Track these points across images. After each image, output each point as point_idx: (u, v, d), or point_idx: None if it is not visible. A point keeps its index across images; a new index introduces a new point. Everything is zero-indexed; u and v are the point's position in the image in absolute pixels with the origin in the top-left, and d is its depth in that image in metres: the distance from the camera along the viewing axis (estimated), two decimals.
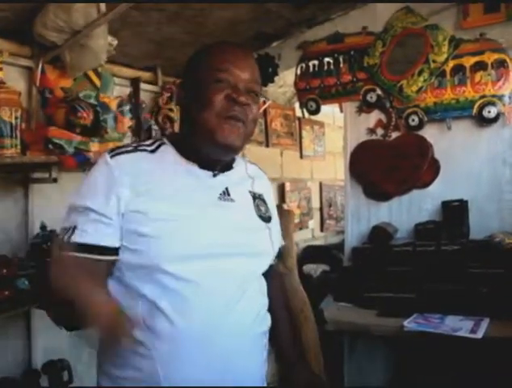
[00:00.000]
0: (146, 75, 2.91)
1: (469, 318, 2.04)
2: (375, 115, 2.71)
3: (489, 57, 2.39)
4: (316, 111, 2.85)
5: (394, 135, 2.66)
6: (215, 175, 1.26)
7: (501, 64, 2.37)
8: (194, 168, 1.24)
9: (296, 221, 4.17)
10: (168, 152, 1.25)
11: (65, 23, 2.04)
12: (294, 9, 2.53)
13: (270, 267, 1.40)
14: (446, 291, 2.17)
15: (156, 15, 2.31)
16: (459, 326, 1.97)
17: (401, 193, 2.63)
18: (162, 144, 1.27)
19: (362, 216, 2.75)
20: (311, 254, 4.29)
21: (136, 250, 1.14)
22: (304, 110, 2.89)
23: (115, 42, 2.28)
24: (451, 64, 2.46)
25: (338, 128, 4.71)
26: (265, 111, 4.04)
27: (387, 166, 2.63)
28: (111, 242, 1.14)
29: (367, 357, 2.61)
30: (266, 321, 1.32)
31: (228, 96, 1.18)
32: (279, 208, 3.87)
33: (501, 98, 2.38)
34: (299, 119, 4.45)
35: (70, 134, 2.24)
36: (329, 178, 4.95)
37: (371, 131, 2.72)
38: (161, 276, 1.12)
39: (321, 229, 4.83)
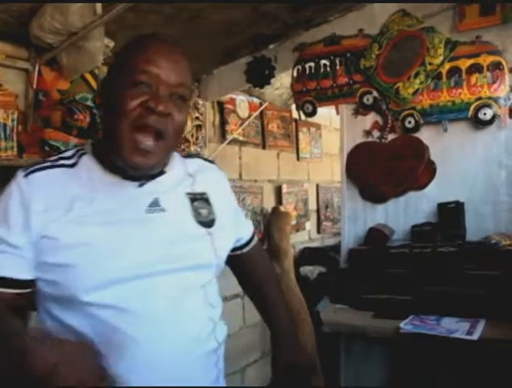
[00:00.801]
0: None
1: (465, 320, 2.04)
2: (372, 118, 2.71)
3: (485, 60, 2.39)
4: (313, 114, 2.86)
5: (390, 137, 2.66)
6: (141, 185, 1.12)
7: (496, 66, 2.37)
8: (117, 181, 1.11)
9: (293, 222, 4.18)
10: (89, 164, 1.12)
11: (62, 25, 2.05)
12: (291, 11, 2.53)
13: (238, 257, 1.37)
14: (442, 293, 2.18)
15: (152, 17, 2.31)
16: (455, 327, 1.97)
17: (398, 195, 2.63)
18: (83, 154, 1.13)
19: (358, 217, 2.75)
20: (308, 255, 4.30)
21: (52, 282, 1.03)
22: (301, 112, 2.89)
23: (112, 44, 2.29)
24: (447, 66, 2.47)
25: (335, 129, 4.72)
26: (261, 112, 4.05)
27: (383, 168, 2.63)
28: (22, 274, 1.03)
29: (364, 359, 2.62)
30: (215, 336, 1.19)
31: (144, 104, 1.03)
32: (276, 210, 3.90)
33: (496, 100, 2.38)
34: (295, 121, 4.47)
35: (67, 136, 2.25)
36: (325, 179, 4.96)
37: (368, 133, 2.72)
38: (82, 306, 1.01)
39: (318, 231, 4.84)
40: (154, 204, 1.12)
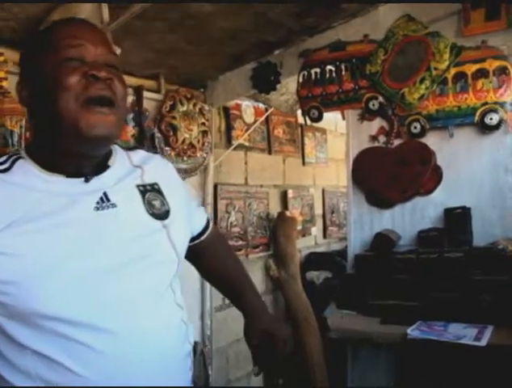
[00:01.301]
0: (149, 83, 2.93)
1: (473, 326, 2.03)
2: (378, 123, 2.72)
3: (491, 65, 2.39)
4: (319, 119, 2.86)
5: (396, 142, 2.66)
6: (87, 180, 1.04)
7: (502, 71, 2.37)
8: (60, 180, 1.02)
9: (299, 228, 4.18)
10: (25, 167, 1.02)
11: None
12: (295, 17, 2.54)
13: (196, 246, 1.30)
14: (449, 298, 2.17)
15: (159, 24, 2.33)
16: (462, 333, 1.97)
17: (404, 200, 2.63)
18: (19, 158, 1.03)
19: (364, 223, 2.75)
20: (314, 260, 4.30)
21: (2, 296, 0.93)
22: (307, 118, 2.90)
23: (119, 51, 2.29)
24: (453, 71, 2.46)
25: (340, 134, 4.72)
26: (267, 118, 4.05)
27: (389, 173, 2.63)
28: None
29: (371, 365, 2.61)
30: (188, 338, 1.15)
31: (85, 74, 0.97)
32: (282, 215, 3.90)
33: (503, 105, 2.38)
34: (301, 126, 4.47)
35: None
36: (331, 184, 4.96)
37: (374, 138, 2.72)
38: (40, 322, 0.93)
39: (324, 236, 4.83)
40: (104, 200, 1.04)
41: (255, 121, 3.87)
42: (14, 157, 1.04)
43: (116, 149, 1.16)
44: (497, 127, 2.40)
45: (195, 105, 3.12)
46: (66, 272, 0.94)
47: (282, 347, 1.34)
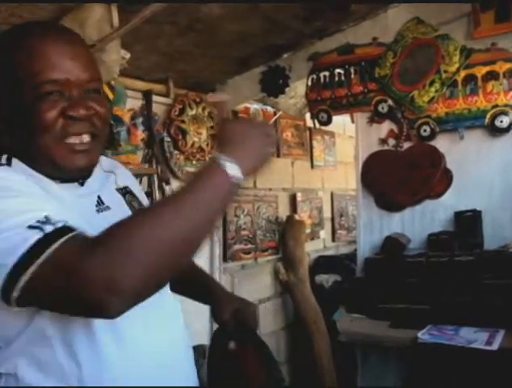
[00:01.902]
0: (158, 87, 2.93)
1: (484, 330, 2.02)
2: (387, 126, 2.71)
3: (501, 67, 2.38)
4: (328, 122, 2.86)
5: (406, 145, 2.66)
6: (82, 184, 1.04)
7: None
8: (57, 184, 0.99)
9: (308, 231, 4.17)
10: (23, 167, 0.97)
11: None
12: (304, 21, 2.54)
13: None
14: (460, 302, 2.16)
15: (168, 28, 2.33)
16: (473, 337, 1.95)
17: (414, 203, 2.62)
18: (11, 157, 0.97)
19: (374, 226, 2.74)
20: (323, 264, 4.28)
21: None
22: (316, 121, 2.89)
23: (128, 55, 2.31)
24: (463, 74, 2.46)
25: (349, 137, 4.71)
26: (276, 121, 4.05)
27: (399, 176, 2.62)
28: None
29: (381, 369, 2.60)
30: (187, 341, 1.17)
31: (63, 113, 0.93)
32: (291, 218, 3.89)
33: None
34: (309, 129, 4.46)
35: None
36: (340, 188, 4.94)
37: (383, 141, 2.72)
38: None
39: (333, 239, 4.82)
40: (100, 203, 1.05)
41: None
42: (6, 155, 0.97)
43: None
44: (507, 129, 2.38)
45: (204, 109, 3.13)
46: None
47: (254, 318, 1.39)
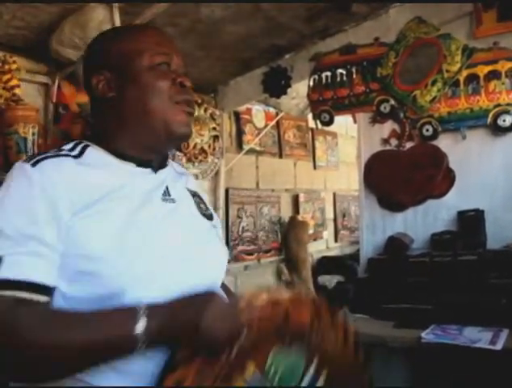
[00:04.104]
0: None
1: (488, 329, 2.01)
2: (389, 126, 2.71)
3: (503, 66, 2.38)
4: (330, 123, 2.86)
5: (408, 145, 2.65)
6: (155, 171, 1.11)
7: None
8: (131, 168, 1.07)
9: (310, 231, 4.17)
10: (96, 154, 1.05)
11: (81, 40, 2.07)
12: (305, 21, 2.54)
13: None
14: (463, 302, 2.16)
15: (169, 30, 2.34)
16: (477, 337, 1.95)
17: (417, 203, 2.62)
18: (86, 146, 1.06)
19: (377, 226, 2.73)
20: (325, 265, 4.28)
21: (88, 278, 0.91)
22: (318, 121, 2.89)
23: None
24: (465, 73, 2.45)
25: (351, 138, 4.72)
26: (278, 122, 4.06)
27: (401, 176, 2.62)
28: (50, 279, 0.90)
29: (384, 369, 2.59)
30: None
31: (174, 80, 1.07)
32: (294, 219, 3.89)
33: None
34: (312, 129, 4.47)
35: None
36: (342, 188, 4.95)
37: (385, 141, 2.71)
38: (126, 301, 0.91)
39: (336, 240, 4.82)
40: (166, 193, 1.09)
41: (266, 125, 3.88)
42: (82, 144, 1.06)
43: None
44: (509, 128, 2.38)
45: (205, 110, 3.13)
46: (151, 252, 0.97)
47: None
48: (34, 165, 0.95)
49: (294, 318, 1.05)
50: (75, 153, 1.03)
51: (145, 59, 1.06)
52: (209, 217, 1.18)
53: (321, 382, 1.08)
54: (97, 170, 1.02)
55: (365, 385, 1.27)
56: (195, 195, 1.20)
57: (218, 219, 1.27)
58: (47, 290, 0.89)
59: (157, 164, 1.12)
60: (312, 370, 1.08)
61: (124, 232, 0.95)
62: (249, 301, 0.97)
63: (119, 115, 1.08)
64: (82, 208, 0.94)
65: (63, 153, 1.02)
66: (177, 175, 1.20)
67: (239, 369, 0.96)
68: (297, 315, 1.05)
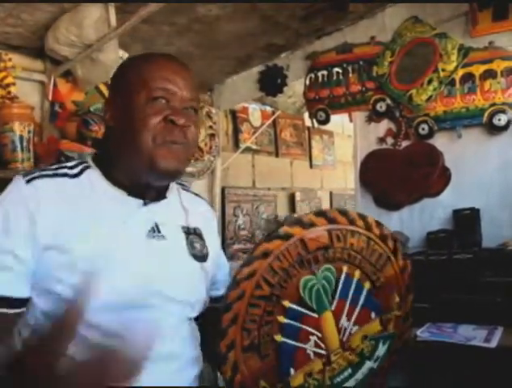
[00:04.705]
0: None
1: (483, 327, 2.02)
2: (385, 125, 2.71)
3: (499, 65, 2.38)
4: (326, 121, 2.86)
5: (404, 144, 2.65)
6: (145, 204, 1.11)
7: (510, 72, 2.36)
8: (122, 195, 1.10)
9: None
10: (93, 176, 1.10)
11: (77, 38, 2.08)
12: (302, 20, 2.54)
13: (210, 310, 1.23)
14: (459, 300, 2.16)
15: (166, 29, 2.34)
16: (472, 335, 1.95)
17: (412, 202, 2.62)
18: (87, 167, 1.11)
19: None
20: None
21: (54, 296, 0.97)
22: (314, 120, 2.90)
23: (126, 55, 2.31)
24: (461, 72, 2.46)
25: (348, 137, 4.72)
26: (274, 121, 4.06)
27: (397, 175, 2.62)
28: (22, 291, 0.98)
29: None
30: (198, 366, 1.17)
31: (166, 118, 1.06)
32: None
33: (511, 105, 2.37)
34: (308, 128, 4.47)
35: (82, 147, 2.27)
36: (339, 187, 4.95)
37: (381, 140, 2.72)
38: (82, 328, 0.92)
39: None
40: (155, 230, 1.10)
41: (262, 124, 3.88)
42: (83, 165, 1.11)
43: (172, 185, 1.23)
44: (505, 127, 2.38)
45: (202, 108, 3.13)
46: (119, 285, 1.00)
47: None
48: (28, 182, 1.01)
49: (311, 243, 1.16)
50: (74, 172, 1.08)
51: (143, 93, 1.06)
52: (200, 258, 1.17)
53: (355, 280, 1.24)
54: (87, 192, 1.06)
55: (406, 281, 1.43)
56: (193, 232, 1.19)
57: (214, 258, 1.25)
58: (14, 303, 0.96)
59: (150, 197, 1.13)
60: (343, 275, 1.22)
61: (96, 260, 0.98)
62: None
63: (116, 145, 1.11)
64: (61, 230, 0.99)
65: (61, 171, 1.07)
66: (176, 211, 1.20)
67: (277, 310, 1.11)
68: (313, 239, 1.17)
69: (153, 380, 0.98)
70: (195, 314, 1.17)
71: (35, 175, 1.04)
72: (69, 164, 1.11)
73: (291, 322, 1.15)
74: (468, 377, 2.10)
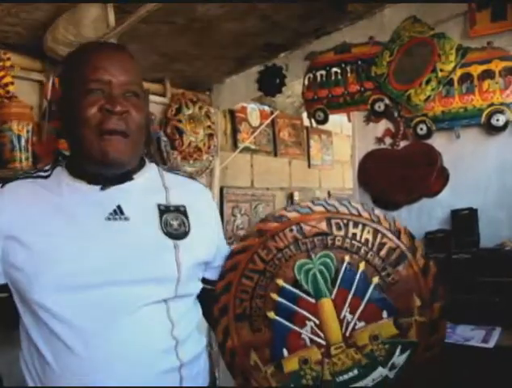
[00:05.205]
0: (155, 87, 2.94)
1: (480, 328, 2.02)
2: (384, 125, 2.71)
3: (497, 65, 2.39)
4: (324, 121, 2.86)
5: (402, 144, 2.66)
6: (103, 189, 1.13)
7: (508, 72, 2.36)
8: (81, 186, 1.13)
9: None
10: (60, 174, 1.16)
11: (75, 37, 2.07)
12: (301, 20, 2.54)
13: (206, 290, 1.23)
14: (457, 300, 2.16)
15: (164, 28, 2.34)
16: (470, 335, 1.96)
17: (411, 202, 2.62)
18: (57, 166, 1.18)
19: None
20: None
21: (15, 282, 1.07)
22: (313, 120, 2.90)
23: None
24: (459, 72, 2.46)
25: (346, 136, 4.72)
26: (273, 121, 4.06)
27: (395, 175, 2.62)
28: None
29: None
30: (176, 354, 1.12)
31: (101, 108, 1.07)
32: None
33: (509, 106, 2.37)
34: (306, 128, 4.48)
35: None
36: (337, 187, 4.95)
37: (380, 140, 2.72)
38: (36, 309, 1.04)
39: None
40: (117, 212, 1.11)
41: (261, 124, 3.88)
42: (55, 164, 1.18)
43: (151, 167, 1.25)
44: (503, 128, 2.39)
45: (200, 108, 3.13)
46: (69, 267, 1.03)
47: None
48: (2, 187, 1.12)
49: (308, 228, 1.20)
50: (47, 173, 1.17)
51: (78, 87, 1.08)
52: (176, 236, 1.14)
53: (360, 272, 1.24)
54: (50, 187, 1.13)
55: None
56: (173, 211, 1.17)
57: (202, 239, 1.21)
58: None
59: (109, 181, 1.14)
60: (345, 264, 1.23)
61: (46, 244, 1.04)
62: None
63: (67, 139, 1.20)
64: (20, 221, 1.07)
65: (36, 174, 1.16)
66: (151, 190, 1.19)
67: (271, 287, 1.16)
68: (310, 224, 1.21)
69: (126, 367, 1.03)
70: (169, 294, 1.12)
71: (12, 179, 1.14)
72: (46, 167, 1.18)
73: (285, 301, 1.18)
74: (466, 378, 2.10)
